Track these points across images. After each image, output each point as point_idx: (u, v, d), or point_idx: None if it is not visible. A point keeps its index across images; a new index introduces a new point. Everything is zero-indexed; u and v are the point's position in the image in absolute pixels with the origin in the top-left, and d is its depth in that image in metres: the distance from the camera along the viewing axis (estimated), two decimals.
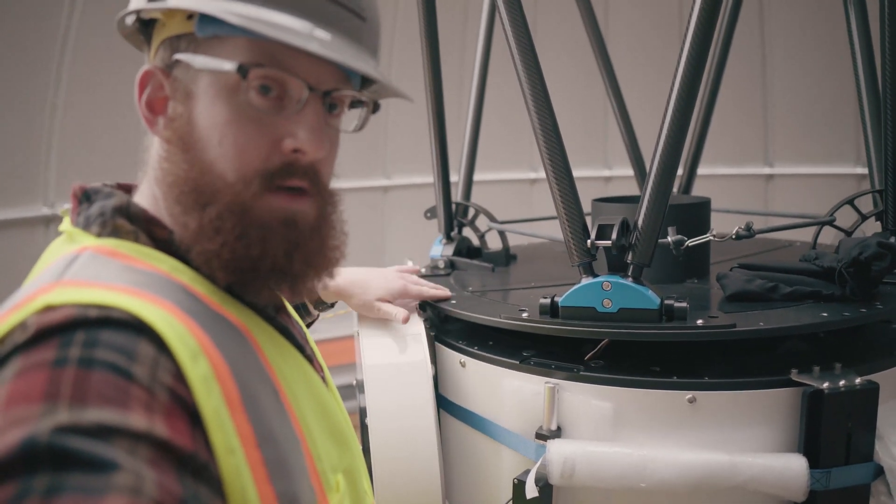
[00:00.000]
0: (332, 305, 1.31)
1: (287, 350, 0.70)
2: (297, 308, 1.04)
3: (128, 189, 0.72)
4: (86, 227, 0.63)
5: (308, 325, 1.12)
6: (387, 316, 1.26)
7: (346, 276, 1.27)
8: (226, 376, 0.56)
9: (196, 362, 0.53)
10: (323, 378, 0.78)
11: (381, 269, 1.35)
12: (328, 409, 0.72)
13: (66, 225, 0.66)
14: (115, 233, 0.63)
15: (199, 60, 0.62)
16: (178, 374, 0.52)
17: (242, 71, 0.61)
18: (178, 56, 0.63)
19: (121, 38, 0.71)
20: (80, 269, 0.57)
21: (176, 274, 0.61)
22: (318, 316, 1.21)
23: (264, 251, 0.63)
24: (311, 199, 0.66)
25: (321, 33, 0.62)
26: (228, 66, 0.61)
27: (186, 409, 0.52)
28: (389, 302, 1.28)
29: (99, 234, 0.62)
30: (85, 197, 0.66)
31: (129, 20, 0.67)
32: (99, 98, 3.23)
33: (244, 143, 0.62)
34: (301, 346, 0.73)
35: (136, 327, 0.52)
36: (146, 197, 0.68)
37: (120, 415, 0.46)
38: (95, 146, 3.24)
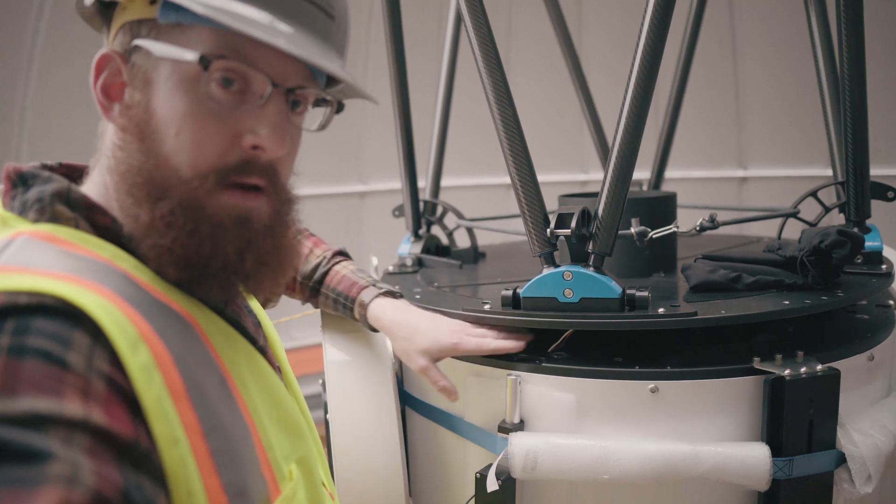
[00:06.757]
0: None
1: (236, 340, 0.68)
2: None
3: (74, 169, 0.70)
4: (22, 212, 0.61)
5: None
6: (431, 382, 1.09)
7: (394, 313, 1.11)
8: (168, 365, 0.54)
9: (135, 351, 0.52)
10: (278, 369, 0.76)
11: (435, 315, 1.13)
12: (280, 399, 0.71)
13: None
14: (54, 219, 0.60)
15: (159, 48, 0.61)
16: (116, 362, 0.50)
17: (204, 62, 0.59)
18: (138, 42, 0.62)
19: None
20: (14, 255, 0.55)
21: (117, 261, 0.59)
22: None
23: (215, 249, 0.62)
24: (266, 197, 0.65)
25: (286, 28, 0.61)
26: (190, 55, 0.60)
27: (125, 398, 0.50)
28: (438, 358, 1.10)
29: (36, 221, 0.60)
30: (20, 180, 0.64)
31: (88, 1, 0.65)
32: (71, 80, 3.17)
33: (202, 137, 0.61)
34: (253, 338, 0.72)
35: (71, 314, 0.50)
36: (97, 185, 0.66)
37: (54, 403, 0.45)
38: (67, 134, 3.19)
